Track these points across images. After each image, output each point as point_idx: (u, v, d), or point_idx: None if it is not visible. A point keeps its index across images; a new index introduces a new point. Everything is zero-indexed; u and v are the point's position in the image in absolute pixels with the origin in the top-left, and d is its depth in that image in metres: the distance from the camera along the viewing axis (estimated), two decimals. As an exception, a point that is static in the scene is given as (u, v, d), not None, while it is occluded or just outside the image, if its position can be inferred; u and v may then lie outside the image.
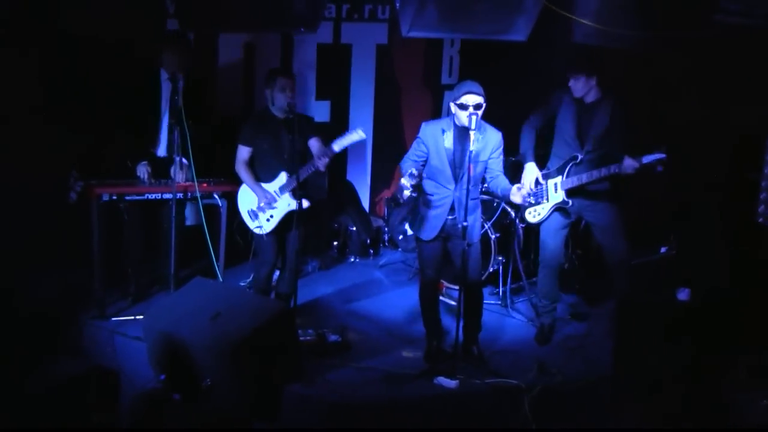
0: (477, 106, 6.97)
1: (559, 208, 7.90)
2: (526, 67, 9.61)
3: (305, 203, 7.81)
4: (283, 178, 7.93)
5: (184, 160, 8.05)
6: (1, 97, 8.23)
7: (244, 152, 8.14)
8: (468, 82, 7.13)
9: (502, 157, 7.38)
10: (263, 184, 8.14)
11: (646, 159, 7.28)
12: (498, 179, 7.35)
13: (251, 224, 8.27)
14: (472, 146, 6.94)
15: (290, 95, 7.88)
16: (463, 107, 7.00)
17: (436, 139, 7.25)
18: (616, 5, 7.66)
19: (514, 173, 8.34)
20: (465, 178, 7.04)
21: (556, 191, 7.86)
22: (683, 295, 6.80)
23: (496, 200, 9.23)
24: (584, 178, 7.65)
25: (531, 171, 7.94)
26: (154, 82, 8.33)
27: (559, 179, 7.84)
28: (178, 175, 8.04)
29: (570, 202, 7.79)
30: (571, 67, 7.65)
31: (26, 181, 8.44)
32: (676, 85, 8.92)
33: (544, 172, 7.97)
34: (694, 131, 8.70)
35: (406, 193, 7.11)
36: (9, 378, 5.48)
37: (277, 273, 8.43)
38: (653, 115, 8.97)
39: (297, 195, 7.66)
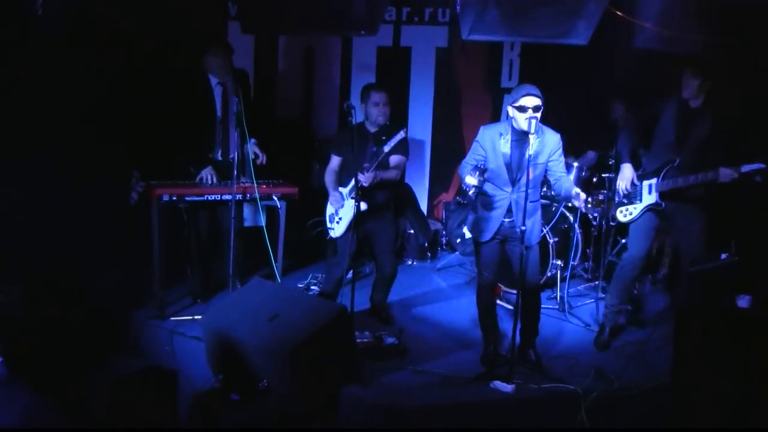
0: (536, 109, 6.94)
1: (651, 210, 7.84)
2: (587, 71, 9.56)
3: (363, 206, 7.89)
4: (352, 183, 7.99)
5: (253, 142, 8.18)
6: (65, 101, 8.34)
7: (333, 161, 8.37)
8: (526, 84, 7.11)
9: (562, 158, 7.34)
10: (342, 189, 8.30)
11: (745, 168, 7.24)
12: (561, 181, 7.31)
13: (328, 225, 8.50)
14: (531, 150, 6.92)
15: (383, 110, 8.01)
16: (522, 109, 6.97)
17: (493, 142, 7.23)
18: (678, 10, 7.60)
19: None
20: (523, 182, 7.03)
21: (650, 192, 7.80)
22: (744, 302, 6.72)
23: (555, 204, 9.20)
24: (680, 182, 7.59)
25: (627, 171, 7.91)
26: (206, 87, 8.39)
27: (654, 181, 7.77)
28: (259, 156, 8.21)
29: (663, 204, 7.73)
30: (689, 66, 7.60)
31: (89, 183, 8.55)
32: (738, 90, 8.80)
33: (639, 172, 7.91)
34: (757, 134, 8.59)
35: (471, 192, 7.13)
36: (69, 376, 5.53)
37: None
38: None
39: (356, 198, 7.73)
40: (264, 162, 8.35)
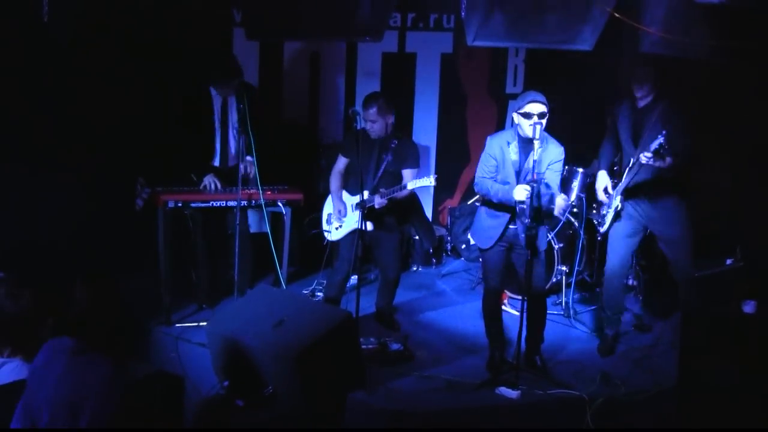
0: (541, 115, 6.95)
1: (622, 215, 7.85)
2: (592, 77, 9.55)
3: (369, 226, 7.93)
4: (359, 197, 8.00)
5: (248, 158, 8.13)
6: (71, 106, 8.36)
7: (340, 162, 8.41)
8: (531, 91, 7.13)
9: (560, 172, 7.32)
10: (348, 196, 8.33)
11: (653, 146, 7.20)
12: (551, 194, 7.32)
13: (324, 226, 8.58)
14: (535, 156, 6.91)
15: (372, 126, 8.00)
16: (527, 116, 6.98)
17: (502, 151, 7.24)
18: (684, 14, 7.58)
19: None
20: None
21: (616, 196, 7.84)
22: (749, 307, 6.71)
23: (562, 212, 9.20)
24: (628, 178, 7.64)
25: (600, 179, 7.96)
26: (205, 96, 8.39)
27: (619, 185, 7.82)
28: (248, 168, 8.15)
29: (620, 205, 7.75)
30: (635, 74, 7.65)
31: (95, 189, 8.56)
32: (746, 96, 8.79)
33: (615, 181, 7.94)
34: (761, 142, 8.59)
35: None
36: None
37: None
38: (723, 125, 8.89)
39: (363, 216, 7.76)
40: (252, 174, 8.29)
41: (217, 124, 8.41)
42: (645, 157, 7.26)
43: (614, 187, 7.90)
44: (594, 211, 9.27)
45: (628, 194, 7.76)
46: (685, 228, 7.76)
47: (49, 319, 4.98)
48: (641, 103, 7.67)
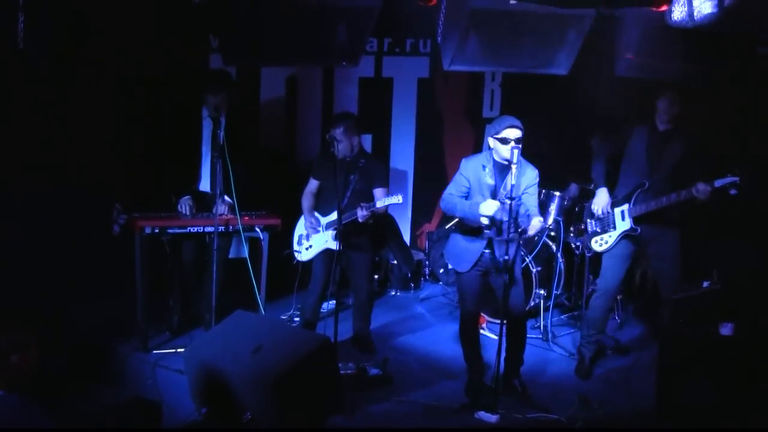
0: (518, 140, 6.98)
1: (627, 236, 7.87)
2: (568, 101, 9.60)
3: (334, 245, 7.97)
4: (334, 215, 8.01)
5: (227, 198, 8.09)
6: (49, 132, 8.34)
7: (311, 184, 8.50)
8: (507, 116, 7.15)
9: (536, 194, 7.36)
10: (320, 216, 8.36)
11: (719, 183, 7.35)
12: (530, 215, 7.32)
13: (295, 247, 8.63)
14: (513, 180, 6.92)
15: (338, 146, 7.92)
16: (504, 141, 7.00)
17: (477, 174, 7.25)
18: (658, 39, 7.65)
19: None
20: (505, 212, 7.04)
21: (623, 219, 7.85)
22: (726, 330, 6.74)
23: (537, 234, 9.21)
24: (653, 204, 7.67)
25: (603, 195, 7.99)
26: (196, 119, 8.38)
27: (626, 207, 7.83)
28: (221, 209, 8.07)
29: (638, 229, 7.77)
30: (667, 92, 7.72)
31: (71, 214, 8.53)
32: (722, 117, 8.86)
33: (611, 200, 7.95)
34: (739, 163, 8.64)
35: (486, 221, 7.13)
36: (53, 407, 5.51)
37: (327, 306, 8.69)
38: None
39: (338, 236, 7.75)
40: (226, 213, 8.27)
41: (205, 149, 8.39)
42: (703, 190, 7.37)
43: (611, 205, 7.92)
44: (572, 235, 9.29)
45: (639, 218, 7.79)
46: (680, 246, 7.80)
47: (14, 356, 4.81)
48: (662, 128, 7.74)
